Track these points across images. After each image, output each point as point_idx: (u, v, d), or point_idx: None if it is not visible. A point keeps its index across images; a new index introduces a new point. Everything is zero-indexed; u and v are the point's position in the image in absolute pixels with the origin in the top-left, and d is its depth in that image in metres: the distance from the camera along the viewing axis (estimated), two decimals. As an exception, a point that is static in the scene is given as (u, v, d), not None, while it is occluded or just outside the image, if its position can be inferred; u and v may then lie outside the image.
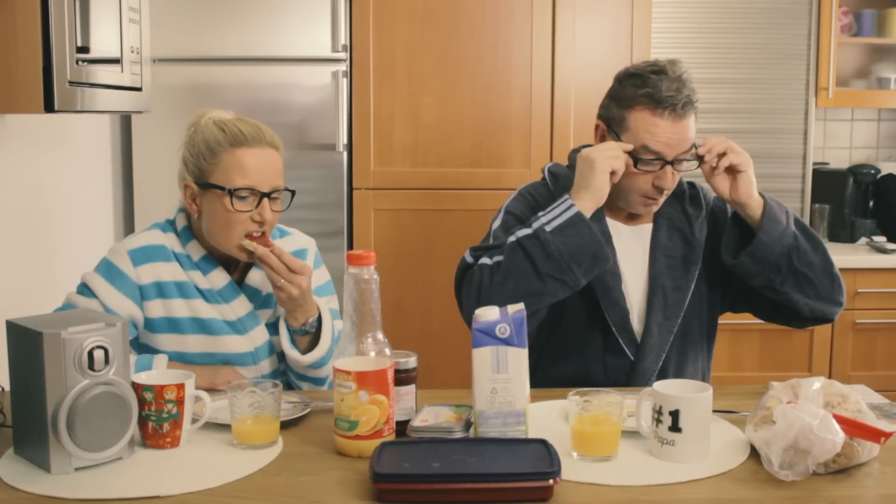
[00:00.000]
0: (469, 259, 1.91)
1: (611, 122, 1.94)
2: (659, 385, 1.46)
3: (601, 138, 1.97)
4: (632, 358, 1.94)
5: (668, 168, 1.88)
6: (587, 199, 1.83)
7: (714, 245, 1.99)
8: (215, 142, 1.83)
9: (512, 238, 1.83)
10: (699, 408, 1.42)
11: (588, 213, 1.82)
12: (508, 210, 2.00)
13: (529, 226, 1.83)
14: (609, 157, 1.82)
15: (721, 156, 1.84)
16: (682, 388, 1.46)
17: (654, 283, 1.97)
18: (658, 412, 1.43)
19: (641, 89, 1.87)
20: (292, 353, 1.86)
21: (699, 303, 2.00)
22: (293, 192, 1.91)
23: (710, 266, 2.00)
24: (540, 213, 1.85)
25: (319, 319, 1.88)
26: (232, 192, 1.81)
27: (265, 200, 1.83)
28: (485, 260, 1.85)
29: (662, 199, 1.95)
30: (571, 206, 1.81)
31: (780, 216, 1.85)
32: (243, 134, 1.83)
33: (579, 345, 1.95)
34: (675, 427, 1.40)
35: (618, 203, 1.98)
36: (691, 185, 2.08)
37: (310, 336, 1.88)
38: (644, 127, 1.87)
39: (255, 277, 1.91)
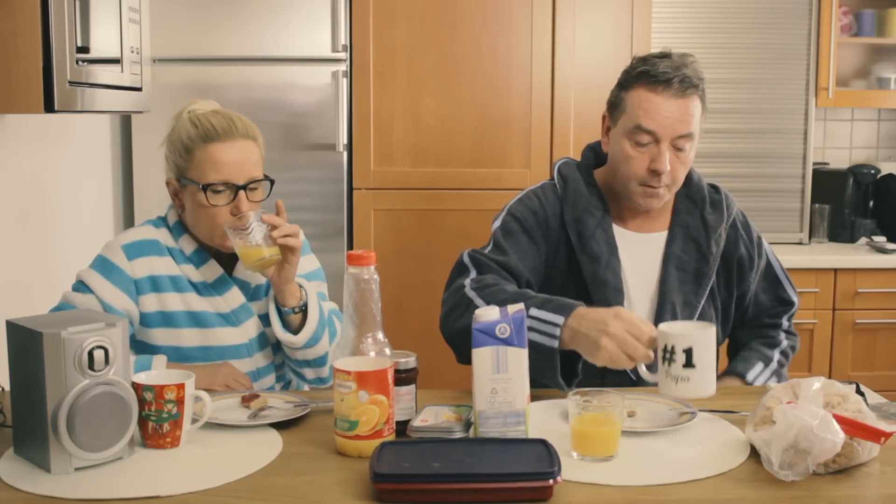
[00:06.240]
0: (466, 260, 1.89)
1: (611, 108, 1.91)
2: (665, 326, 1.53)
3: (606, 130, 1.94)
4: (633, 377, 1.87)
5: (664, 148, 1.82)
6: (573, 343, 1.65)
7: (729, 259, 1.95)
8: (188, 139, 1.86)
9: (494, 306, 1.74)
10: (708, 343, 1.49)
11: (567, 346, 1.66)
12: (511, 211, 1.95)
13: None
14: (617, 354, 1.56)
15: None
16: (688, 328, 1.56)
17: (664, 297, 1.89)
18: (670, 352, 1.48)
19: (641, 68, 1.85)
20: (286, 336, 1.86)
21: (707, 318, 1.92)
22: (272, 181, 1.91)
23: (721, 280, 1.95)
24: (534, 307, 1.69)
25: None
26: (206, 188, 1.82)
27: (241, 193, 1.84)
28: (470, 292, 1.79)
29: (664, 192, 1.87)
30: (555, 336, 1.65)
31: None
32: (215, 128, 1.84)
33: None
34: (689, 363, 1.47)
35: (622, 200, 1.93)
36: (714, 188, 2.01)
37: (300, 315, 1.88)
38: (638, 104, 1.83)
39: (243, 269, 1.92)
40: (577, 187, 1.94)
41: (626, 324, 1.58)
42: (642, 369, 1.56)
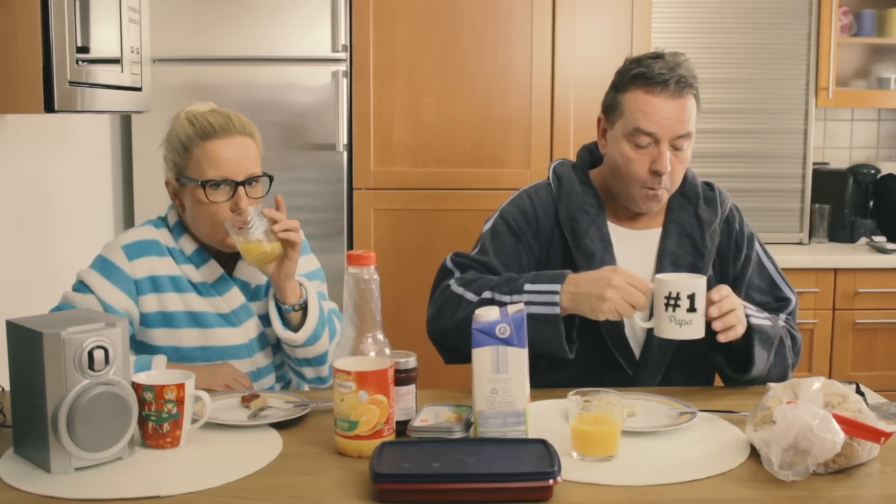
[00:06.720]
0: (449, 265, 1.93)
1: (608, 111, 1.92)
2: (664, 276, 1.70)
3: (602, 132, 1.95)
4: (630, 373, 1.89)
5: (664, 148, 1.83)
6: (574, 306, 1.73)
7: (724, 255, 1.95)
8: (186, 137, 1.86)
9: (486, 293, 1.79)
10: (704, 290, 1.68)
11: (567, 313, 1.74)
12: (501, 213, 1.98)
13: (508, 292, 1.77)
14: (622, 304, 1.67)
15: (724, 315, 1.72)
16: (684, 277, 1.73)
17: None
18: (675, 298, 1.65)
19: (636, 70, 1.86)
20: (286, 333, 1.87)
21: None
22: (271, 178, 1.92)
23: (718, 276, 1.94)
24: (527, 283, 1.77)
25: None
26: (205, 184, 1.83)
27: (241, 189, 1.84)
28: (457, 289, 1.84)
29: (663, 193, 1.89)
30: (555, 304, 1.73)
31: (763, 360, 1.80)
32: (212, 126, 1.85)
33: (574, 358, 1.81)
34: (692, 308, 1.65)
35: (620, 202, 1.94)
36: (708, 185, 2.02)
37: (301, 313, 1.89)
38: (636, 106, 1.84)
39: (243, 269, 1.92)
40: (571, 186, 1.96)
41: (625, 276, 1.70)
42: (636, 318, 1.72)
